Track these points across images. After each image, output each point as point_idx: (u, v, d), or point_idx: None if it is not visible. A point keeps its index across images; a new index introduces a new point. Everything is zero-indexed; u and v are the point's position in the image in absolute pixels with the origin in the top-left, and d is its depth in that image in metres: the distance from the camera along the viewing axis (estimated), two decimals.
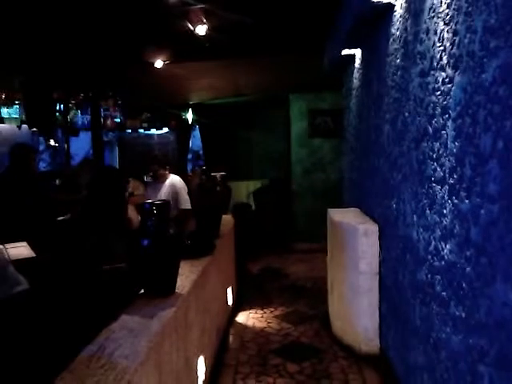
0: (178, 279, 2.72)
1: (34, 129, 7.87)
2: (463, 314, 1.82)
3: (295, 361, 3.67)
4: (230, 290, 4.60)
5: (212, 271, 3.56)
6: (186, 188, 4.48)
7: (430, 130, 2.35)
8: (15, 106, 7.52)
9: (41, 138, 11.43)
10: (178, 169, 8.74)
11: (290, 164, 8.13)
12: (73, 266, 2.40)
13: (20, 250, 2.50)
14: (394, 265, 3.19)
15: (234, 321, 4.58)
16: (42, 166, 11.73)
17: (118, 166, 13.69)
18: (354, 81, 5.04)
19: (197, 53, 5.38)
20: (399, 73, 3.08)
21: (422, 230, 2.47)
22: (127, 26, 4.77)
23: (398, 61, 3.09)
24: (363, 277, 3.62)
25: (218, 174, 5.88)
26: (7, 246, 2.55)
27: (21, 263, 2.28)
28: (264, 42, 5.47)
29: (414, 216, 2.66)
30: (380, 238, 3.60)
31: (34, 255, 2.47)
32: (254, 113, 9.32)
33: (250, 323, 4.53)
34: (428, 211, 2.36)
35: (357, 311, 3.69)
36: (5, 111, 8.63)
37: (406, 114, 2.87)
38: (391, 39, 3.30)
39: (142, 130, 13.68)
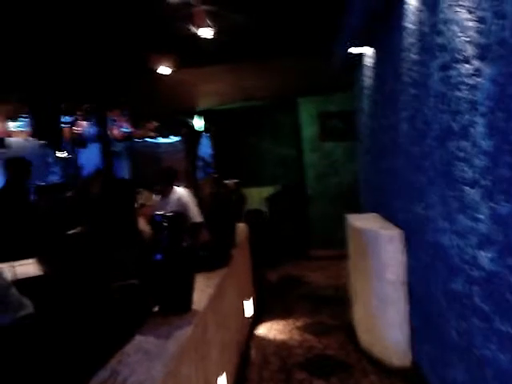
0: (194, 294, 2.59)
1: (43, 141, 7.83)
2: (511, 330, 1.65)
3: (322, 376, 3.50)
4: (248, 302, 4.45)
5: (229, 283, 3.43)
6: (193, 200, 4.35)
7: (455, 127, 2.20)
8: (22, 119, 7.48)
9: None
10: (187, 177, 8.63)
11: (303, 169, 7.98)
12: (84, 284, 2.28)
13: (27, 268, 2.39)
14: (423, 273, 3.02)
15: (254, 334, 4.42)
16: (54, 178, 11.71)
17: (128, 177, 13.66)
18: (366, 80, 4.89)
19: (203, 58, 5.27)
20: (416, 68, 2.92)
21: (454, 236, 2.30)
22: (131, 33, 4.69)
23: (415, 55, 2.94)
24: (390, 286, 3.45)
25: (231, 182, 5.74)
26: (15, 264, 2.45)
27: (28, 282, 2.17)
28: (271, 44, 5.36)
29: (444, 221, 2.49)
30: (406, 244, 3.43)
31: (40, 273, 2.35)
32: (264, 118, 9.20)
33: (271, 335, 4.37)
34: (460, 216, 2.19)
35: (385, 323, 3.51)
36: (12, 125, 8.65)
37: (426, 111, 2.71)
38: (405, 33, 3.15)
39: (151, 140, 13.64)
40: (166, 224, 2.30)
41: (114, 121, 11.06)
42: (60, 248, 2.78)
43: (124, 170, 14.37)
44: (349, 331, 4.24)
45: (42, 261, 2.55)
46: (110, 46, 4.84)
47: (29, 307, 1.74)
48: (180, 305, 2.33)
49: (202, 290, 2.76)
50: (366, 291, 3.79)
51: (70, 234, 3.12)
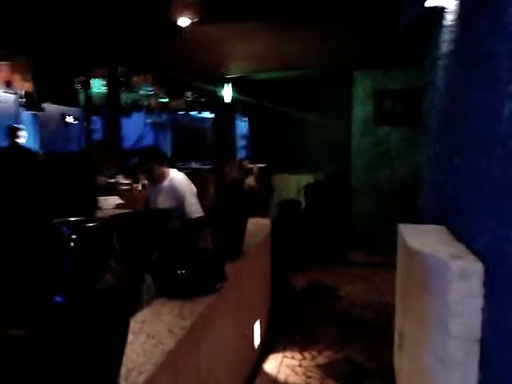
0: (143, 356, 1.60)
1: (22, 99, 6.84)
2: None
3: None
4: (257, 326, 3.42)
5: (219, 317, 2.39)
6: (191, 189, 3.30)
7: None
8: None
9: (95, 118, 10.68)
10: (219, 159, 7.54)
11: (350, 156, 6.76)
12: None
13: None
14: None
15: (261, 369, 3.37)
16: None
17: (170, 151, 12.87)
18: (443, 46, 3.64)
19: (234, 10, 4.20)
20: None
21: None
22: None
23: None
24: (455, 343, 2.29)
25: (254, 166, 4.64)
26: None
27: None
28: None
29: None
30: (486, 284, 2.26)
31: None
32: (310, 92, 7.97)
33: (281, 375, 3.30)
34: None
35: None
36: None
37: None
38: None
39: (195, 113, 12.66)
40: (73, 240, 1.27)
41: (152, 90, 10.18)
42: None
43: (166, 144, 13.64)
44: (388, 380, 3.14)
45: None
46: None
47: None
48: None
49: (160, 341, 1.74)
50: (418, 340, 2.67)
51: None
